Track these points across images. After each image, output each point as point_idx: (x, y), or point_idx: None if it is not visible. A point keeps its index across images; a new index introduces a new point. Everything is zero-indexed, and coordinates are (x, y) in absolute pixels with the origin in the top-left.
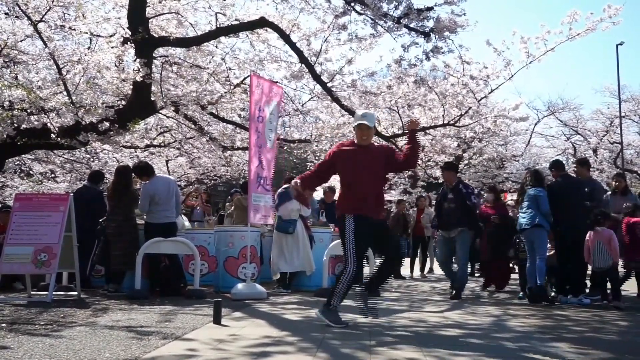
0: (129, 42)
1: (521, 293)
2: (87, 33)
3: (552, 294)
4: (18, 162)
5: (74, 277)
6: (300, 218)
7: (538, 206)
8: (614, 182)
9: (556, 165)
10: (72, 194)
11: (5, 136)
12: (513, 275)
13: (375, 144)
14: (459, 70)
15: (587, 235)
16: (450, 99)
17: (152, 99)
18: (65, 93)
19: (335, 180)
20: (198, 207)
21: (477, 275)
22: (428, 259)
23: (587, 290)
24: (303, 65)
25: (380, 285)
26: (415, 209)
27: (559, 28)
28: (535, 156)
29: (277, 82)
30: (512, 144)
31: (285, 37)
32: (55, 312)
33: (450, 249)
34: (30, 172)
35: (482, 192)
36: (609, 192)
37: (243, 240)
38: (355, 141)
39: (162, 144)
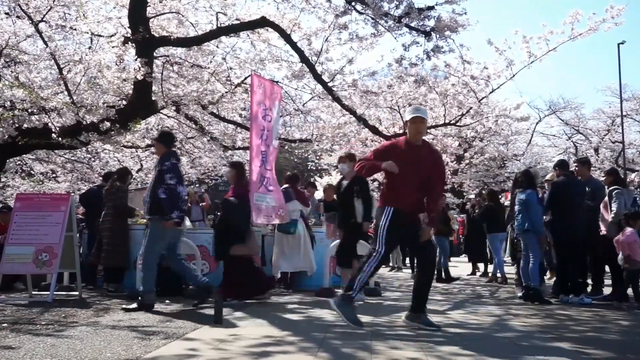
0: (129, 42)
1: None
2: (88, 33)
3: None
4: (19, 162)
5: (74, 277)
6: (301, 218)
7: (528, 210)
8: (602, 178)
9: (561, 165)
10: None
11: (6, 136)
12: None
13: (432, 145)
14: (459, 69)
15: (620, 234)
16: (451, 98)
17: (153, 98)
18: (66, 93)
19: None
20: (194, 205)
21: (478, 274)
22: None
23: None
24: (304, 64)
25: (425, 302)
26: None
27: (560, 28)
28: (537, 155)
29: (277, 81)
30: (514, 144)
31: (286, 36)
32: (57, 312)
33: None
34: (31, 172)
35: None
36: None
37: None
38: (408, 138)
39: None
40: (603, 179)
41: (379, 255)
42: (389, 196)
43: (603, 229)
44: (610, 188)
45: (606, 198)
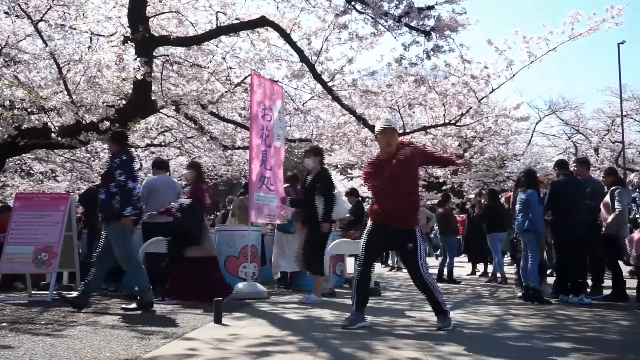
0: (129, 41)
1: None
2: (87, 32)
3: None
4: (19, 161)
5: (74, 277)
6: None
7: (528, 210)
8: (602, 179)
9: (560, 165)
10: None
11: (6, 135)
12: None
13: (404, 144)
14: (459, 69)
15: (637, 232)
16: (450, 98)
17: (153, 98)
18: (65, 92)
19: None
20: None
21: (478, 274)
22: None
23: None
24: (304, 64)
25: (436, 304)
26: None
27: (561, 28)
28: (537, 155)
29: (276, 81)
30: (513, 143)
31: (286, 36)
32: (56, 312)
33: None
34: (31, 171)
35: (483, 192)
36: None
37: (244, 239)
38: (380, 152)
39: (163, 144)
40: (602, 179)
41: (356, 273)
42: (373, 212)
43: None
44: (612, 188)
45: (606, 198)
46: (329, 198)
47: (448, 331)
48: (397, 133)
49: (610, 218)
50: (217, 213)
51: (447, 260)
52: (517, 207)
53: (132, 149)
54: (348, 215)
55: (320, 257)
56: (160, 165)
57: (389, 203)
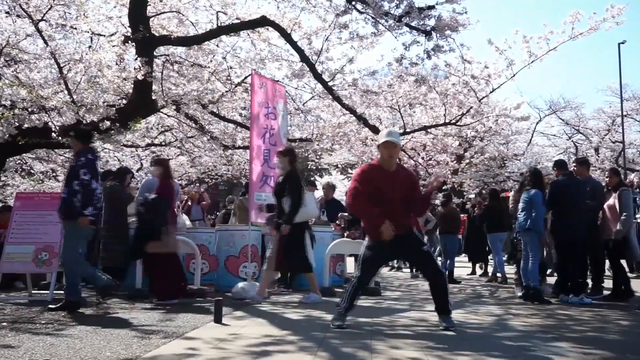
0: (130, 41)
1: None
2: (88, 32)
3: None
4: (19, 161)
5: None
6: None
7: (531, 209)
8: (606, 178)
9: (559, 165)
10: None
11: (6, 135)
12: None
13: (404, 165)
14: (460, 69)
15: None
16: (451, 98)
17: (153, 97)
18: (66, 92)
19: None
20: (195, 204)
21: (479, 274)
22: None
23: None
24: (304, 64)
25: (444, 303)
26: None
27: (561, 28)
28: (537, 155)
29: (277, 81)
30: (514, 143)
31: (287, 36)
32: (56, 311)
33: None
34: (31, 171)
35: (483, 192)
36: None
37: (244, 239)
38: (380, 162)
39: (163, 143)
40: (607, 179)
41: (354, 280)
42: (369, 226)
43: (614, 230)
44: (620, 189)
45: (612, 200)
46: (295, 199)
47: (449, 330)
48: (399, 149)
49: (619, 224)
50: (217, 213)
51: (448, 261)
52: (521, 205)
53: (133, 149)
54: (346, 214)
55: (302, 254)
56: (161, 165)
57: (389, 215)
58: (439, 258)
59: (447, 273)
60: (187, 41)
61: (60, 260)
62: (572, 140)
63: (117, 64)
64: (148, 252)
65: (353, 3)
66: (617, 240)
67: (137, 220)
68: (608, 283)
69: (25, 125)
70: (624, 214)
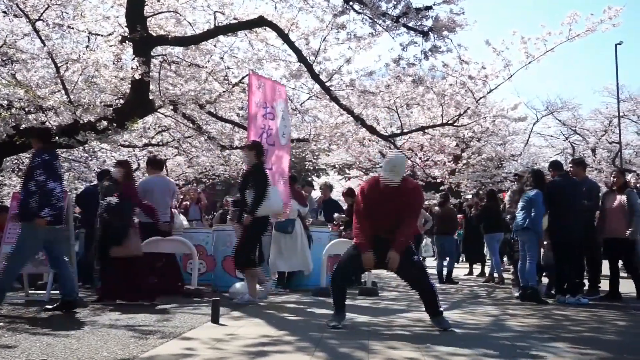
0: (127, 41)
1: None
2: (85, 32)
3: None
4: (16, 160)
5: None
6: (299, 217)
7: (531, 209)
8: (612, 178)
9: (555, 166)
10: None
11: (4, 135)
12: (506, 276)
13: (412, 182)
14: (457, 69)
15: None
16: (448, 98)
17: (151, 97)
18: (63, 92)
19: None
20: (193, 204)
21: (476, 275)
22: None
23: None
24: (301, 64)
25: (434, 307)
26: None
27: (558, 29)
28: (534, 156)
29: (276, 81)
30: (511, 144)
31: (284, 36)
32: (53, 311)
33: None
34: None
35: (480, 192)
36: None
37: None
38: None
39: (161, 143)
40: (613, 179)
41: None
42: (360, 235)
43: (627, 232)
44: (626, 190)
45: (618, 200)
46: (259, 192)
47: (447, 331)
48: (402, 176)
49: (633, 225)
50: (215, 213)
51: (447, 261)
52: (520, 204)
53: (130, 149)
54: (343, 215)
55: (250, 248)
56: (155, 165)
57: (380, 223)
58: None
59: (445, 273)
60: (184, 41)
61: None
62: (569, 141)
63: (114, 63)
64: (111, 257)
65: (350, 3)
66: (626, 240)
67: (100, 225)
68: (605, 284)
69: (23, 125)
70: (636, 213)
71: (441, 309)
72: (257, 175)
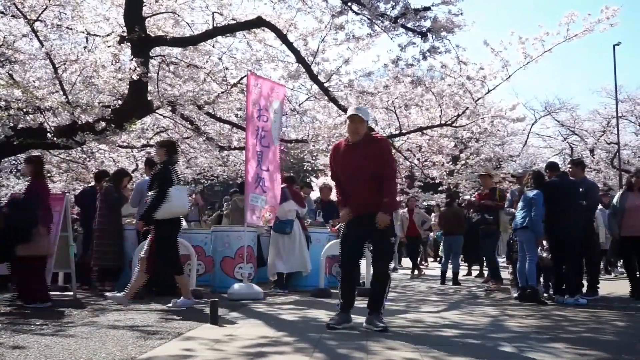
0: (125, 42)
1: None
2: (83, 32)
3: (546, 293)
4: (14, 161)
5: (69, 277)
6: (297, 218)
7: (531, 209)
8: (633, 179)
9: (551, 167)
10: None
11: (1, 135)
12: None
13: (375, 136)
14: (456, 70)
15: None
16: (447, 99)
17: (149, 98)
18: (61, 92)
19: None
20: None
21: (475, 275)
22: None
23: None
24: (300, 65)
25: (379, 302)
26: (406, 209)
27: (556, 29)
28: (532, 156)
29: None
30: (509, 144)
31: (282, 36)
32: (51, 313)
33: None
34: None
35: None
36: (622, 189)
37: (239, 240)
38: (348, 138)
39: None
40: (633, 179)
41: (339, 273)
42: (340, 203)
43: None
44: None
45: (638, 200)
46: (158, 193)
47: (440, 331)
48: (365, 123)
49: None
50: (208, 212)
51: (452, 261)
52: (520, 204)
53: (128, 150)
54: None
55: (172, 255)
56: (152, 165)
57: (355, 193)
58: (424, 261)
59: (451, 275)
60: (182, 42)
61: None
62: (567, 142)
63: (112, 64)
64: (17, 255)
65: (349, 4)
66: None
67: (3, 222)
68: (604, 284)
69: (20, 126)
70: None
71: (382, 310)
72: (160, 175)
